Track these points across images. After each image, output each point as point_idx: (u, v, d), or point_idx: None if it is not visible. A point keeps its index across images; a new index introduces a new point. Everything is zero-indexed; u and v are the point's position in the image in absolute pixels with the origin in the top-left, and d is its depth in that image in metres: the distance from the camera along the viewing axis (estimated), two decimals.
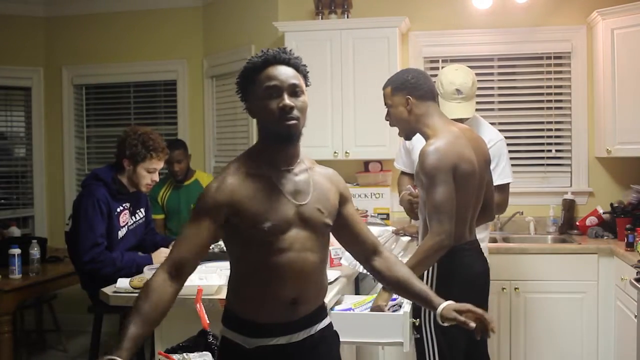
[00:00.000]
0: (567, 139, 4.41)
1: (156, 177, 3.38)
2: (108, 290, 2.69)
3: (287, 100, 1.69)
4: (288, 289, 1.73)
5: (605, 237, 4.04)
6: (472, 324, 1.72)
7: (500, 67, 4.49)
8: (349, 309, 2.54)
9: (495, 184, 3.03)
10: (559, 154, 4.43)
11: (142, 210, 3.52)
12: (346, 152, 4.23)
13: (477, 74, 3.24)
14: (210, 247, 3.20)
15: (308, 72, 1.80)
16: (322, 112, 4.24)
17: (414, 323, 2.46)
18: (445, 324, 1.79)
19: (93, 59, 5.31)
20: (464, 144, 2.44)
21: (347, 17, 4.41)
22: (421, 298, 1.86)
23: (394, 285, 1.93)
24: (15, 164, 5.57)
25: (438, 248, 2.34)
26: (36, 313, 4.97)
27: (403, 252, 2.98)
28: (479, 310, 1.75)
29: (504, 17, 4.36)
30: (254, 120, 1.82)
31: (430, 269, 2.47)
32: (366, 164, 4.47)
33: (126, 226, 3.38)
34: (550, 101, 4.41)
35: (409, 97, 2.50)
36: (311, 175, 1.80)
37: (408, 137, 2.65)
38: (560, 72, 4.40)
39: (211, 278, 2.54)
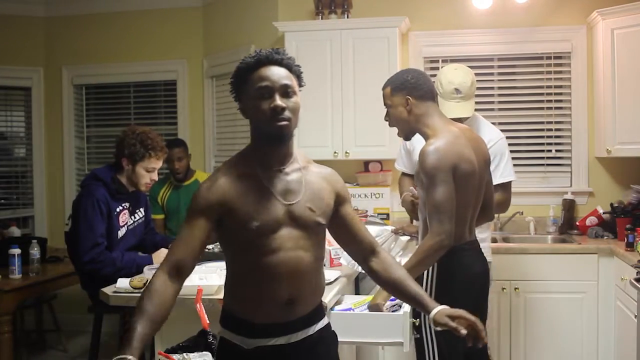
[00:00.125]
0: (567, 139, 4.41)
1: (155, 177, 3.38)
2: (108, 290, 2.69)
3: (279, 101, 1.69)
4: (283, 289, 1.73)
5: (605, 237, 4.04)
6: (464, 331, 1.71)
7: (500, 67, 4.49)
8: (349, 309, 2.54)
9: (497, 182, 3.04)
10: (559, 154, 4.43)
11: (142, 210, 3.51)
12: (346, 152, 4.23)
13: (477, 74, 3.24)
14: (210, 247, 3.24)
15: (301, 72, 1.80)
16: (322, 112, 4.24)
17: (414, 323, 2.46)
18: (438, 329, 1.79)
19: (93, 59, 5.31)
20: (464, 144, 2.44)
21: (347, 17, 4.41)
22: (416, 301, 1.85)
23: (390, 286, 1.92)
24: (15, 164, 5.57)
25: (438, 248, 2.34)
26: (36, 313, 4.97)
27: (402, 251, 2.98)
28: (472, 318, 1.73)
29: (504, 17, 4.36)
30: None
31: (430, 269, 2.47)
32: (366, 164, 4.48)
33: (126, 226, 3.38)
34: (550, 101, 4.41)
35: (409, 97, 2.50)
36: (304, 174, 1.79)
37: (407, 138, 2.65)
38: (560, 72, 4.41)
39: (211, 278, 2.54)
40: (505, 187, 3.10)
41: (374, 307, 2.49)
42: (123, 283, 2.68)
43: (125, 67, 5.27)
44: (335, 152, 4.23)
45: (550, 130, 4.43)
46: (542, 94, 4.41)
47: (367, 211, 4.21)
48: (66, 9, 5.33)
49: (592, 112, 4.29)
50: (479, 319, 2.57)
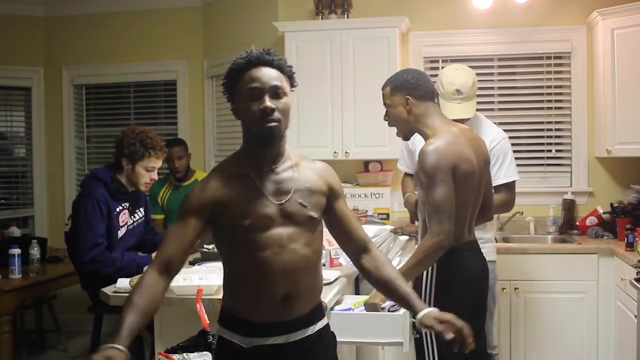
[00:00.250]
0: (567, 139, 4.41)
1: (155, 176, 3.38)
2: (108, 290, 2.69)
3: (268, 102, 1.71)
4: (278, 285, 1.74)
5: (605, 237, 4.04)
6: (450, 335, 1.68)
7: (500, 67, 4.49)
8: (349, 309, 2.54)
9: (501, 182, 3.05)
10: (559, 154, 4.43)
11: (142, 209, 3.52)
12: (346, 152, 4.23)
13: (477, 74, 3.23)
14: (210, 247, 3.24)
15: (293, 73, 1.81)
16: (322, 112, 4.24)
17: (413, 323, 2.46)
18: (423, 330, 1.78)
19: (93, 59, 5.31)
20: (464, 144, 2.44)
21: (347, 17, 4.41)
22: (405, 301, 1.84)
23: (380, 285, 1.92)
24: (15, 164, 5.57)
25: (437, 248, 2.33)
26: (36, 313, 4.97)
27: (401, 251, 2.98)
28: (460, 323, 1.71)
29: (504, 17, 4.36)
30: None
31: (430, 269, 2.47)
32: (366, 164, 4.47)
33: (125, 226, 3.38)
34: (550, 101, 4.41)
35: (408, 97, 2.50)
36: (295, 171, 1.80)
37: (406, 138, 2.65)
38: (560, 72, 4.40)
39: (211, 278, 2.54)
40: (509, 187, 3.10)
41: (370, 306, 2.49)
42: (123, 283, 2.68)
43: (125, 67, 5.27)
44: (335, 152, 4.23)
45: (550, 130, 4.43)
46: (542, 94, 4.41)
47: (367, 211, 4.21)
48: (66, 9, 5.33)
49: (592, 112, 4.29)
50: (479, 319, 2.60)
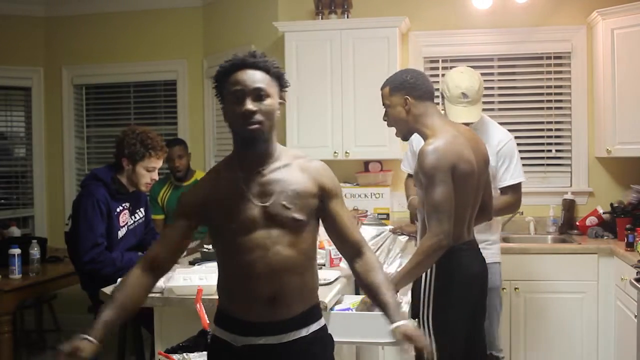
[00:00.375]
0: (567, 139, 4.41)
1: (155, 176, 3.38)
2: (108, 290, 2.69)
3: (249, 105, 1.71)
4: (262, 287, 1.74)
5: (605, 237, 4.04)
6: (411, 352, 1.70)
7: (500, 67, 4.49)
8: (348, 309, 2.54)
9: (508, 184, 3.07)
10: (559, 154, 4.44)
11: (142, 210, 3.51)
12: (346, 152, 4.23)
13: None
14: (210, 247, 3.23)
15: (283, 73, 1.81)
16: (322, 112, 4.24)
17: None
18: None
19: (93, 59, 5.31)
20: (463, 144, 2.44)
21: (347, 17, 4.41)
22: (383, 310, 1.81)
23: (366, 290, 1.89)
24: (15, 164, 5.57)
25: (437, 248, 2.33)
26: (36, 313, 4.97)
27: (401, 252, 2.98)
28: (422, 344, 1.69)
29: (504, 17, 4.36)
30: None
31: (428, 271, 2.47)
32: (366, 164, 4.47)
33: (126, 226, 3.38)
34: (550, 101, 4.41)
35: (407, 97, 2.50)
36: (284, 172, 1.79)
37: (405, 138, 2.65)
38: (560, 72, 4.41)
39: (211, 278, 2.53)
40: (516, 188, 3.11)
41: (362, 305, 2.49)
42: None
43: (125, 67, 5.26)
44: (335, 152, 4.23)
45: (550, 130, 4.43)
46: (542, 94, 4.42)
47: (367, 211, 4.21)
48: (66, 9, 5.33)
49: (592, 112, 4.29)
50: (477, 319, 2.60)
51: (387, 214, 4.29)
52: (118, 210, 3.31)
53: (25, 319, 4.90)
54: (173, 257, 1.87)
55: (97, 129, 5.53)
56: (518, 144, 4.29)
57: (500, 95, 4.50)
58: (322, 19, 4.44)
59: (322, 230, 1.91)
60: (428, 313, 2.47)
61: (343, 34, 4.24)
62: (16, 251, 3.72)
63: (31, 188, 5.46)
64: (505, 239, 4.16)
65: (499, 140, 3.09)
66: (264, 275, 1.74)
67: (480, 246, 3.01)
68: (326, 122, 4.25)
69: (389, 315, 1.78)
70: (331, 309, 2.50)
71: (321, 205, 1.83)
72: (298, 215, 1.76)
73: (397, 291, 2.45)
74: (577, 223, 4.24)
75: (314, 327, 1.83)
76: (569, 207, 4.28)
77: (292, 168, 1.81)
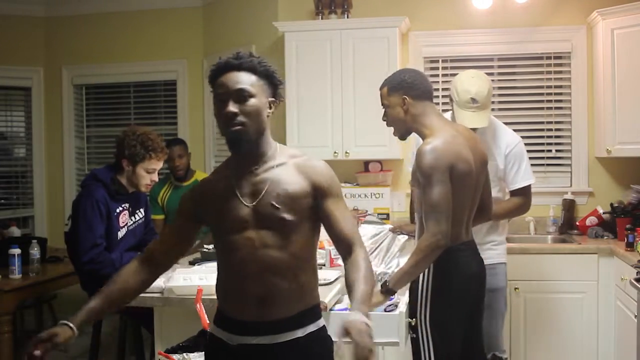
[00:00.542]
0: (567, 139, 4.41)
1: (155, 177, 3.38)
2: None
3: (231, 107, 1.73)
4: (251, 287, 1.74)
5: (605, 237, 4.04)
6: (342, 344, 1.62)
7: (500, 67, 4.49)
8: (345, 309, 2.55)
9: (518, 186, 3.09)
10: (559, 154, 4.43)
11: (142, 210, 3.51)
12: (346, 152, 4.23)
13: None
14: (210, 247, 3.23)
15: (272, 71, 1.80)
16: (322, 112, 4.24)
17: (410, 323, 2.47)
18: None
19: (93, 59, 5.31)
20: (461, 144, 2.44)
21: (347, 17, 4.41)
22: (351, 302, 1.72)
23: (346, 287, 1.78)
24: (15, 164, 5.57)
25: (434, 248, 2.32)
26: (36, 313, 4.97)
27: (400, 252, 2.97)
28: (361, 344, 1.56)
29: (504, 17, 4.36)
30: None
31: (426, 270, 2.46)
32: (366, 164, 4.47)
33: (126, 227, 3.38)
34: (550, 101, 4.41)
35: (405, 97, 2.50)
36: (276, 171, 1.78)
37: (403, 137, 2.65)
38: (560, 72, 4.40)
39: (211, 278, 2.52)
40: (526, 190, 3.12)
41: None
42: None
43: (125, 67, 5.27)
44: (335, 152, 4.23)
45: (550, 130, 4.43)
46: (542, 94, 4.41)
47: (367, 211, 4.21)
48: (66, 9, 5.33)
49: (592, 112, 4.29)
50: (475, 319, 2.60)
51: (387, 214, 4.28)
52: (118, 210, 3.31)
53: (25, 319, 4.90)
54: (170, 255, 1.90)
55: (97, 129, 5.53)
56: None
57: (500, 95, 4.49)
58: (322, 19, 4.44)
59: (322, 230, 1.90)
60: (425, 313, 2.46)
61: (343, 34, 4.24)
62: (16, 251, 3.72)
63: (31, 188, 5.46)
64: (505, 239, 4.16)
65: (508, 143, 3.09)
66: (253, 276, 1.74)
67: (485, 246, 3.02)
68: (326, 122, 4.24)
69: (352, 306, 1.70)
70: (331, 309, 2.50)
71: (315, 204, 1.79)
72: (287, 216, 1.74)
73: (396, 291, 2.46)
74: (577, 223, 4.24)
75: (311, 327, 1.81)
76: (569, 207, 4.28)
77: (287, 167, 1.80)
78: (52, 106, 5.45)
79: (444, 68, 4.50)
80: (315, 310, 1.86)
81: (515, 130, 4.30)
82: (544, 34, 4.35)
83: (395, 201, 4.44)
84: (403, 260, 2.62)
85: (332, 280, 2.71)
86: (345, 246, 1.81)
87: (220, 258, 1.85)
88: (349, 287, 1.73)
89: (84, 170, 5.38)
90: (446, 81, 4.45)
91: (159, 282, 2.42)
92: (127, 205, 3.37)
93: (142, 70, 5.25)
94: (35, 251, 3.83)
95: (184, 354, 2.05)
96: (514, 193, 3.13)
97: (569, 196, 4.28)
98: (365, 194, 4.33)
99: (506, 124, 4.30)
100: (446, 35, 4.45)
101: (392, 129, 2.63)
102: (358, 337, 1.56)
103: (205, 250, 3.27)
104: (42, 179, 5.47)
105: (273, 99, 1.81)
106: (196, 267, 3.01)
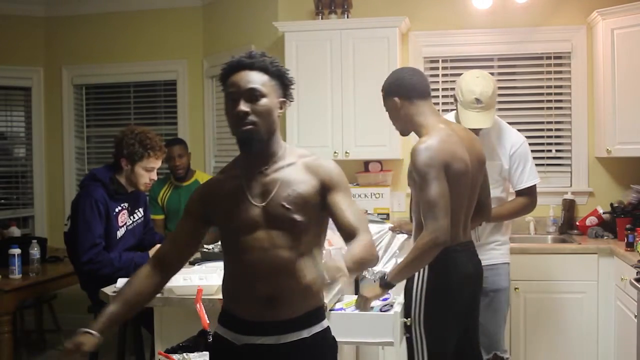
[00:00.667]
0: (567, 139, 4.41)
1: (154, 176, 3.38)
2: (108, 290, 2.70)
3: (242, 106, 1.72)
4: (260, 287, 1.74)
5: (605, 237, 4.04)
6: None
7: (500, 67, 4.49)
8: (340, 309, 2.55)
9: (524, 186, 3.09)
10: (559, 154, 4.43)
11: (141, 210, 3.51)
12: (346, 152, 4.23)
13: None
14: (211, 247, 3.24)
15: (284, 71, 1.80)
16: (322, 112, 4.24)
17: (404, 322, 2.47)
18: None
19: (93, 59, 5.31)
20: (457, 143, 2.44)
21: (347, 17, 4.41)
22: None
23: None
24: (15, 164, 5.57)
25: (433, 245, 2.29)
26: (36, 313, 4.97)
27: (399, 251, 2.98)
28: (333, 276, 1.56)
29: (504, 17, 4.36)
30: None
31: (421, 270, 2.45)
32: (366, 164, 4.47)
33: (125, 226, 3.38)
34: (550, 101, 4.41)
35: (396, 98, 2.53)
36: (286, 171, 1.78)
37: (403, 134, 2.67)
38: (560, 72, 4.40)
39: (211, 278, 2.54)
40: (531, 190, 3.12)
41: (362, 299, 2.50)
42: (123, 283, 2.67)
43: (125, 67, 5.26)
44: (335, 152, 4.23)
45: (550, 130, 4.43)
46: (542, 94, 4.41)
47: (367, 211, 4.21)
48: (66, 9, 5.33)
49: (592, 112, 4.28)
50: (471, 321, 2.59)
51: (387, 214, 4.28)
52: (117, 210, 3.31)
53: (25, 319, 4.90)
54: (181, 256, 1.90)
55: (97, 129, 5.53)
56: None
57: (500, 95, 4.46)
58: (322, 19, 4.43)
59: None
60: (420, 313, 2.46)
61: (343, 34, 4.23)
62: (16, 251, 3.72)
63: (31, 188, 5.46)
64: None
65: (513, 144, 3.09)
66: (263, 276, 1.74)
67: (489, 246, 3.03)
68: (326, 122, 4.24)
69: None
70: (331, 309, 2.50)
71: (322, 200, 1.78)
72: (298, 217, 1.74)
73: (394, 285, 2.45)
74: (577, 223, 4.24)
75: (316, 328, 1.82)
76: (569, 207, 4.28)
77: (297, 167, 1.80)
78: (52, 106, 5.45)
79: (444, 68, 4.50)
80: (320, 311, 1.87)
81: None
82: (544, 34, 4.35)
83: (395, 201, 4.44)
84: (400, 261, 2.62)
85: None
86: (349, 232, 1.77)
87: (229, 258, 1.84)
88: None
89: (84, 170, 5.38)
90: (446, 81, 4.45)
91: None
92: (126, 204, 3.37)
93: (142, 70, 5.25)
94: (35, 251, 3.83)
95: (184, 354, 2.05)
96: (519, 193, 3.13)
97: (569, 196, 4.28)
98: (365, 194, 4.32)
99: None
100: (446, 35, 4.44)
101: (394, 128, 2.67)
102: (329, 261, 1.57)
103: (205, 250, 3.27)
104: (42, 179, 5.47)
105: (284, 99, 1.81)
106: (196, 267, 3.01)
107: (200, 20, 5.14)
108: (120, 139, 3.31)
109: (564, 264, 3.80)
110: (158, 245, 3.34)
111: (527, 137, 4.34)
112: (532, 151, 4.34)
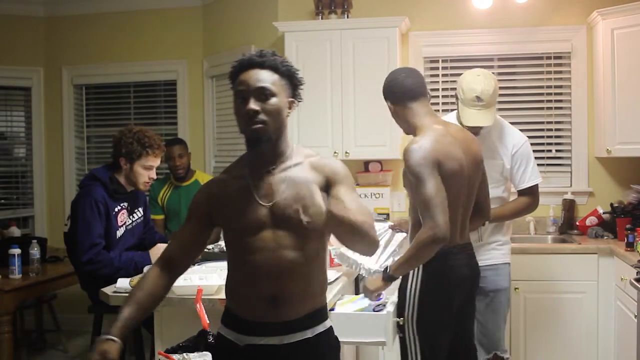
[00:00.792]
0: (567, 139, 4.41)
1: (154, 175, 3.38)
2: (108, 290, 2.70)
3: (252, 104, 1.71)
4: (265, 287, 1.74)
5: (605, 237, 4.04)
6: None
7: (500, 67, 4.49)
8: (333, 309, 2.55)
9: (526, 186, 3.09)
10: (559, 154, 4.43)
11: (141, 209, 3.51)
12: (346, 152, 4.23)
13: None
14: (211, 247, 3.23)
15: (294, 71, 1.80)
16: (322, 112, 4.24)
17: (397, 322, 2.47)
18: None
19: (93, 59, 5.31)
20: (451, 142, 2.44)
21: (347, 17, 4.41)
22: None
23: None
24: (15, 164, 5.57)
25: (431, 241, 2.28)
26: (36, 313, 4.97)
27: (398, 249, 2.98)
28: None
29: (504, 17, 4.36)
30: None
31: (416, 270, 2.45)
32: (366, 164, 4.47)
33: (124, 226, 3.38)
34: (550, 101, 4.41)
35: (390, 102, 2.58)
36: (293, 171, 1.77)
37: (408, 133, 2.67)
38: (560, 72, 4.40)
39: (211, 278, 2.54)
40: (533, 189, 3.13)
41: (365, 292, 2.51)
42: (123, 283, 2.68)
43: (125, 67, 5.27)
44: (335, 152, 4.23)
45: (550, 130, 4.43)
46: (542, 94, 4.41)
47: None
48: (66, 9, 5.34)
49: (592, 112, 4.28)
50: (464, 321, 2.59)
51: (387, 214, 4.28)
52: (116, 210, 3.31)
53: (25, 319, 4.89)
54: (188, 256, 1.89)
55: (97, 129, 5.53)
56: None
57: (500, 95, 4.45)
58: (322, 19, 4.44)
59: None
60: (413, 313, 2.46)
61: (343, 34, 4.23)
62: (16, 251, 3.72)
63: (31, 188, 5.46)
64: None
65: (514, 143, 3.09)
66: (268, 277, 1.73)
67: (490, 246, 3.02)
68: (326, 122, 4.24)
69: None
70: (331, 309, 2.50)
71: (326, 196, 1.77)
72: (305, 217, 1.72)
73: (396, 278, 2.45)
74: (577, 223, 4.24)
75: (319, 329, 1.82)
76: (569, 207, 4.28)
77: (304, 167, 1.79)
78: (52, 106, 5.45)
79: (444, 68, 4.50)
80: (323, 312, 1.86)
81: None
82: (544, 34, 4.35)
83: (395, 201, 4.44)
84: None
85: (332, 280, 2.71)
86: None
87: (233, 258, 1.83)
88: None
89: (84, 170, 5.39)
90: (446, 81, 4.45)
91: None
92: (125, 204, 3.38)
93: (142, 70, 5.25)
94: (35, 251, 3.83)
95: (184, 354, 2.04)
96: (521, 193, 3.13)
97: (569, 196, 4.28)
98: (365, 194, 4.32)
99: None
100: (446, 35, 4.44)
101: (394, 128, 2.79)
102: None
103: (205, 250, 3.26)
104: (42, 179, 5.47)
105: (292, 99, 1.81)
106: (196, 267, 3.00)
107: (200, 20, 5.14)
108: (118, 139, 3.32)
109: (564, 264, 3.80)
110: (159, 244, 3.34)
111: (527, 137, 4.39)
112: (533, 151, 4.40)
